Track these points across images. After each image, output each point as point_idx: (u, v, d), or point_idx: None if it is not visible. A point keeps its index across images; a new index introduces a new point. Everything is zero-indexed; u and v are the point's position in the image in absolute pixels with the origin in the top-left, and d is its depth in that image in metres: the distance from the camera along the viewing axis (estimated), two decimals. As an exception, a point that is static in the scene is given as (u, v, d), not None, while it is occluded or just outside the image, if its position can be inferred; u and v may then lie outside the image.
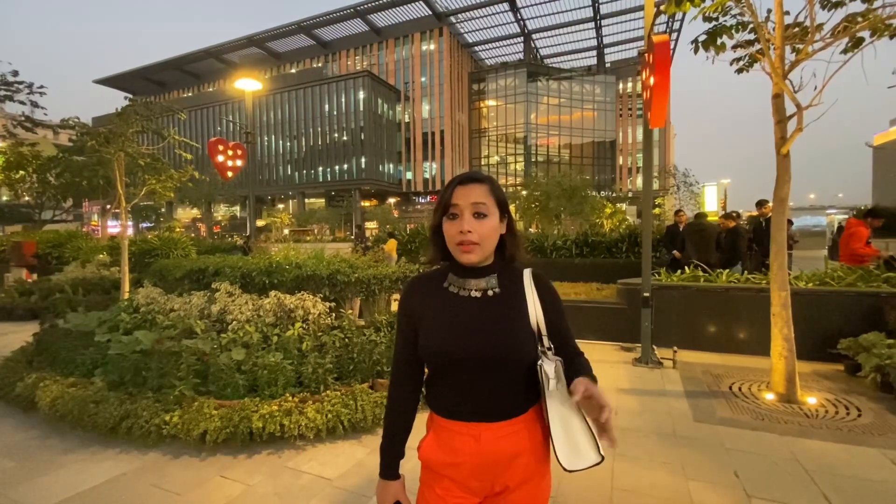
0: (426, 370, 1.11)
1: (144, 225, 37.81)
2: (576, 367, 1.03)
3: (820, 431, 3.02)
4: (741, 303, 4.87)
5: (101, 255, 10.04)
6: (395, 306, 5.10)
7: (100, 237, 14.85)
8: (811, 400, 3.49)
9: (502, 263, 1.09)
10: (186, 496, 2.38)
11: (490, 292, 1.05)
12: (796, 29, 3.56)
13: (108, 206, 17.31)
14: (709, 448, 2.83)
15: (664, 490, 2.38)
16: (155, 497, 2.38)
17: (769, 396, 3.59)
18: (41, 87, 15.37)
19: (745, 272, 5.88)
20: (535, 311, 1.04)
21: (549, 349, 1.03)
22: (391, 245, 11.27)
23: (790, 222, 9.01)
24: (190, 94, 56.90)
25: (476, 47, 51.86)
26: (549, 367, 0.99)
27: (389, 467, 1.08)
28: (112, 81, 59.08)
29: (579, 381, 0.92)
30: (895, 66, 3.42)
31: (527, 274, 1.08)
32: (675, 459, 2.69)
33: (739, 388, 3.84)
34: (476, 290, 1.05)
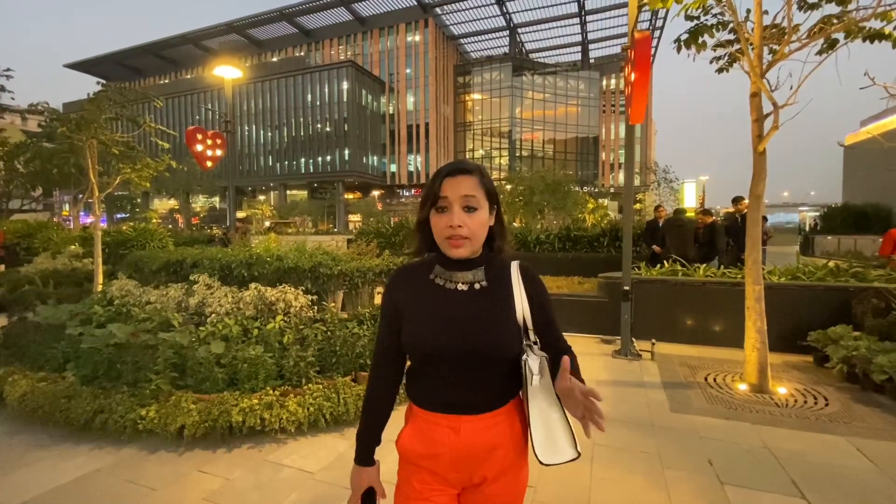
0: (408, 361, 1.10)
1: (119, 216, 36.65)
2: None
3: (790, 420, 3.13)
4: (717, 296, 4.99)
5: (73, 247, 9.72)
6: (378, 299, 5.07)
7: (72, 228, 14.36)
8: (782, 390, 3.62)
9: (490, 256, 1.08)
10: (163, 491, 2.34)
11: (477, 285, 1.04)
12: (774, 29, 3.63)
13: (81, 196, 16.72)
14: (684, 437, 2.91)
15: (642, 478, 2.44)
16: (130, 493, 2.33)
17: (742, 387, 3.71)
18: (8, 69, 14.69)
19: (722, 267, 6.04)
20: (521, 305, 1.03)
21: (535, 343, 1.03)
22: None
23: (765, 219, 9.28)
24: (167, 81, 54.99)
25: (461, 40, 51.46)
26: (534, 362, 0.98)
27: (365, 453, 1.08)
28: (84, 66, 56.53)
29: (566, 377, 0.84)
30: (868, 68, 3.52)
31: (514, 267, 1.08)
32: (653, 448, 2.76)
33: (714, 379, 3.95)
34: (462, 283, 1.04)
